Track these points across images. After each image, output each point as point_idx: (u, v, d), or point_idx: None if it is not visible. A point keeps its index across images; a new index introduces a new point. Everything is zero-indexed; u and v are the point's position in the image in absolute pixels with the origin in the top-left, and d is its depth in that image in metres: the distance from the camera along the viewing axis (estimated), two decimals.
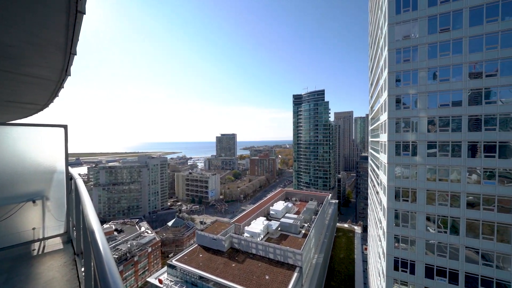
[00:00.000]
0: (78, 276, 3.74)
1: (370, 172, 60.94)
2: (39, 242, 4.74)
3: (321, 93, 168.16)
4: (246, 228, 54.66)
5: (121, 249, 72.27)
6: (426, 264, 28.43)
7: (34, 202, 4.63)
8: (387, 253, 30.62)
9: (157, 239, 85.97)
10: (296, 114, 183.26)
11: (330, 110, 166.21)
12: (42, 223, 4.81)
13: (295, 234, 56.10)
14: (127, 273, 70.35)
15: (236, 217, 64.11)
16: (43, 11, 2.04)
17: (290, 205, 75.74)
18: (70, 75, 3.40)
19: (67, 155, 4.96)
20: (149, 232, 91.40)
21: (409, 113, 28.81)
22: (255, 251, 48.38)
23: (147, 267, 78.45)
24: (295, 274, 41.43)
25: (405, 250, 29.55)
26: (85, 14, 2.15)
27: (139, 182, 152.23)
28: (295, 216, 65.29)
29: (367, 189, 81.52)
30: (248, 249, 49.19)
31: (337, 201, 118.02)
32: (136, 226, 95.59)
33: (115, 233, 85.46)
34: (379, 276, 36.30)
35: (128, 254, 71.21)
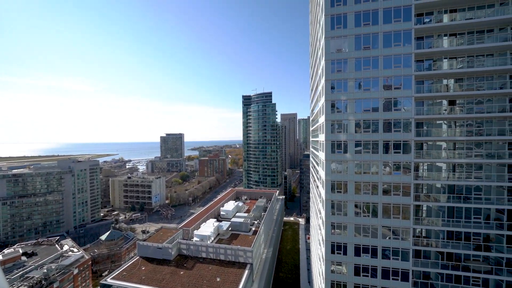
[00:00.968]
0: None
1: (311, 169, 67.76)
2: None
3: (269, 95, 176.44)
4: (195, 232, 52.42)
5: (33, 276, 58.22)
6: (355, 244, 33.60)
7: None
8: (325, 239, 34.72)
9: (86, 258, 73.07)
10: (246, 114, 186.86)
11: (277, 111, 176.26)
12: None
13: (245, 232, 57.17)
14: None
15: (184, 222, 60.65)
16: None
17: (240, 204, 76.70)
18: None
19: None
20: (75, 250, 76.79)
21: (341, 116, 33.44)
22: (205, 254, 46.99)
23: None
24: (246, 272, 42.26)
25: (340, 235, 34.18)
26: None
27: (60, 192, 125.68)
28: (246, 214, 66.53)
29: (309, 184, 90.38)
30: (198, 253, 47.35)
31: (283, 196, 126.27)
32: (56, 245, 78.75)
33: (24, 258, 68.23)
34: (320, 260, 40.80)
35: (44, 282, 57.93)
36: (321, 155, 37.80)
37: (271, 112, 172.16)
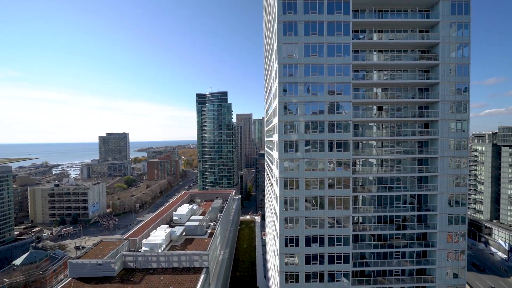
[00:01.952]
0: None
1: (266, 168, 70.31)
2: None
3: (224, 94, 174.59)
4: (144, 241, 47.73)
5: None
6: (305, 235, 36.48)
7: None
8: (280, 234, 36.61)
9: None
10: (200, 113, 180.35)
11: (232, 111, 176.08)
12: None
13: (201, 236, 55.20)
14: None
15: (130, 232, 54.46)
16: None
17: (195, 207, 73.62)
18: None
19: None
20: None
21: (293, 117, 35.81)
22: (156, 264, 43.33)
23: None
24: (202, 276, 40.86)
25: (292, 229, 36.55)
26: None
27: None
28: (201, 217, 64.26)
29: (265, 182, 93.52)
30: (148, 264, 43.28)
31: (240, 196, 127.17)
32: None
33: None
34: (274, 255, 42.75)
35: None
36: (275, 154, 39.63)
37: (227, 112, 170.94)
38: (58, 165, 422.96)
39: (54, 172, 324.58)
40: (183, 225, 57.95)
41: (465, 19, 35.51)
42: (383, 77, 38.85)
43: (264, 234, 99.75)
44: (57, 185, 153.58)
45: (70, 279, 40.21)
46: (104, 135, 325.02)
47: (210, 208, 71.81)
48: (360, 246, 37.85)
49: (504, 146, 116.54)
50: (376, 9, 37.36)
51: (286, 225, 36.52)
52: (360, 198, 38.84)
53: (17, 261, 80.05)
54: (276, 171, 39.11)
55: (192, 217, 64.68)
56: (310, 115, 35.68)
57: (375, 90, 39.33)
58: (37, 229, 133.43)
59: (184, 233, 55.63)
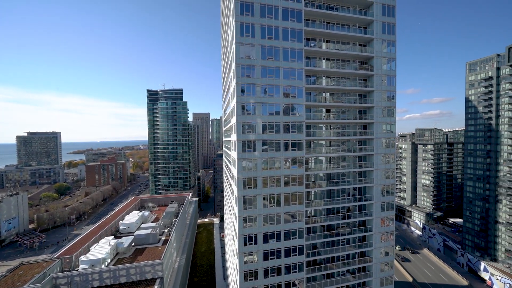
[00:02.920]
0: None
1: (224, 168, 69.46)
2: None
3: (179, 92, 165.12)
4: (82, 258, 41.15)
5: None
6: (263, 233, 37.52)
7: None
8: (239, 233, 36.69)
9: None
10: (152, 111, 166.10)
11: (188, 110, 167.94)
12: None
13: (154, 244, 50.88)
14: None
15: (63, 249, 46.09)
16: None
17: (146, 213, 67.42)
18: None
19: None
20: None
21: (251, 118, 36.37)
22: (99, 282, 37.95)
23: None
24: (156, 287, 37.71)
25: (251, 227, 37.09)
26: None
27: None
28: (153, 224, 59.26)
29: (223, 183, 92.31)
30: (87, 284, 37.50)
31: (197, 198, 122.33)
32: None
33: None
34: (233, 255, 42.62)
35: None
36: (233, 154, 39.53)
37: (182, 110, 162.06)
38: None
39: None
40: (133, 235, 52.38)
41: (392, 38, 42.39)
42: (331, 83, 43.12)
43: (223, 235, 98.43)
44: None
45: None
46: (25, 134, 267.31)
47: (164, 214, 66.85)
48: (313, 237, 41.11)
49: (419, 144, 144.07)
50: (324, 21, 41.13)
51: (245, 224, 36.83)
52: (312, 193, 42.18)
53: None
54: (234, 171, 39.04)
55: (143, 225, 59.09)
56: (267, 116, 36.85)
57: (324, 94, 43.31)
58: None
59: (133, 243, 50.33)
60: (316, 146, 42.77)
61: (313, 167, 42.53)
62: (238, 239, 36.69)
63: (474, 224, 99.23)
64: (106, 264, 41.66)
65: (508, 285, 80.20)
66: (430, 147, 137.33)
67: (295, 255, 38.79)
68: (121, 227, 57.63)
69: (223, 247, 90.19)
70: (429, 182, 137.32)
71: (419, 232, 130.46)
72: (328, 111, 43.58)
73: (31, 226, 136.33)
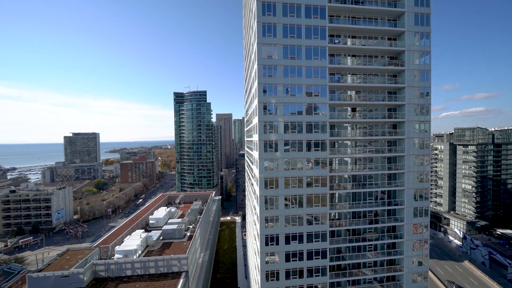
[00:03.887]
0: None
1: (246, 167, 70.32)
2: None
3: (203, 93, 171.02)
4: (117, 248, 44.86)
5: None
6: (285, 233, 37.22)
7: None
8: (260, 233, 36.89)
9: None
10: (178, 113, 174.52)
11: (212, 111, 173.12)
12: None
13: (180, 239, 53.46)
14: None
15: (101, 239, 50.81)
16: None
17: (173, 209, 71.09)
18: None
19: None
20: None
21: (273, 118, 36.33)
22: (131, 271, 41.03)
23: None
24: (181, 281, 39.61)
25: (272, 228, 37.06)
26: None
27: None
28: (179, 220, 62.25)
29: (245, 182, 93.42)
30: (121, 272, 40.79)
31: (220, 197, 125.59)
32: None
33: None
34: (255, 254, 42.96)
35: None
36: (255, 154, 39.84)
37: (206, 111, 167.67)
38: (14, 168, 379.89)
39: (9, 177, 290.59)
40: (161, 229, 55.64)
41: (426, 29, 39.05)
42: (357, 80, 41.15)
43: (245, 234, 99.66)
44: (13, 191, 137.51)
45: None
46: (71, 135, 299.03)
47: (189, 210, 69.88)
48: (337, 241, 39.65)
49: (459, 145, 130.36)
50: (350, 16, 39.41)
51: (266, 224, 36.91)
52: (336, 195, 40.69)
53: None
54: (256, 171, 39.33)
55: (170, 220, 62.36)
56: (289, 116, 36.48)
57: (349, 92, 41.49)
58: None
59: (161, 237, 53.43)
60: (341, 147, 41.15)
61: (337, 168, 41.00)
62: (260, 239, 36.89)
63: None
64: (137, 255, 44.87)
65: None
66: (472, 148, 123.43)
67: (318, 258, 37.80)
68: (150, 222, 61.55)
69: (244, 246, 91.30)
70: (470, 187, 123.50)
71: (458, 242, 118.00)
72: (353, 110, 41.65)
73: (75, 217, 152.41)
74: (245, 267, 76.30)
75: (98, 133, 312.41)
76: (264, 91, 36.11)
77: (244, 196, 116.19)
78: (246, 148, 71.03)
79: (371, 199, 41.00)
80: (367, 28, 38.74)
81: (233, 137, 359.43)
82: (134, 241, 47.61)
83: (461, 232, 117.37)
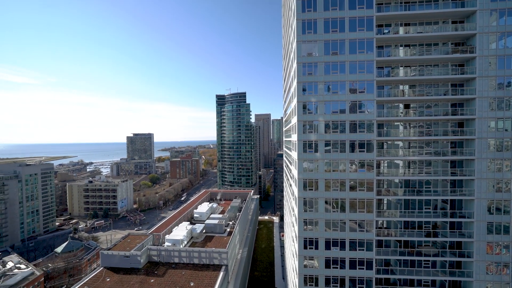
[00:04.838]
0: None
1: (284, 168, 69.62)
2: None
3: (243, 95, 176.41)
4: (167, 237, 50.04)
5: None
6: (325, 238, 35.48)
7: None
8: (299, 235, 36.03)
9: (38, 274, 64.75)
10: (220, 114, 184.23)
11: (251, 112, 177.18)
12: None
13: (220, 234, 56.38)
14: None
15: (154, 227, 57.46)
16: None
17: (215, 205, 75.39)
18: None
19: None
20: (22, 267, 67.51)
21: (312, 117, 35.03)
22: (178, 259, 45.19)
23: None
24: (221, 274, 41.73)
25: (311, 231, 35.76)
26: None
27: (2, 201, 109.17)
28: (220, 215, 65.63)
29: (283, 183, 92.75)
30: (170, 259, 45.30)
31: (258, 196, 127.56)
32: None
33: None
34: (293, 256, 42.17)
35: None
36: (294, 154, 39.08)
37: (245, 112, 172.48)
38: (91, 163, 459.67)
39: (88, 170, 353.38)
40: (203, 223, 59.69)
41: (508, 5, 31.93)
42: (411, 73, 36.40)
43: (283, 235, 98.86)
44: (91, 182, 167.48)
45: (102, 268, 43.57)
46: (131, 135, 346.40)
47: (229, 207, 73.07)
48: (385, 252, 35.85)
49: None
50: (402, 2, 35.15)
51: (305, 227, 35.85)
52: (385, 202, 36.79)
53: (58, 249, 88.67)
54: (295, 172, 38.56)
55: (212, 215, 66.33)
56: (330, 115, 34.64)
57: (401, 87, 36.98)
58: (74, 221, 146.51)
59: (204, 231, 57.29)
60: (391, 148, 36.99)
61: (386, 172, 36.99)
62: (298, 241, 36.07)
63: None
64: (183, 245, 49.16)
65: None
66: None
67: (362, 268, 34.85)
68: (195, 215, 66.66)
69: (282, 247, 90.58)
70: None
71: None
72: (407, 106, 36.95)
73: (134, 206, 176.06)
74: (283, 268, 75.66)
75: (153, 134, 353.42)
76: (304, 90, 35.12)
77: (282, 196, 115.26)
78: (284, 149, 70.36)
79: (429, 208, 35.66)
80: (425, 12, 33.86)
81: (271, 137, 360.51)
82: (181, 231, 52.31)
83: None
